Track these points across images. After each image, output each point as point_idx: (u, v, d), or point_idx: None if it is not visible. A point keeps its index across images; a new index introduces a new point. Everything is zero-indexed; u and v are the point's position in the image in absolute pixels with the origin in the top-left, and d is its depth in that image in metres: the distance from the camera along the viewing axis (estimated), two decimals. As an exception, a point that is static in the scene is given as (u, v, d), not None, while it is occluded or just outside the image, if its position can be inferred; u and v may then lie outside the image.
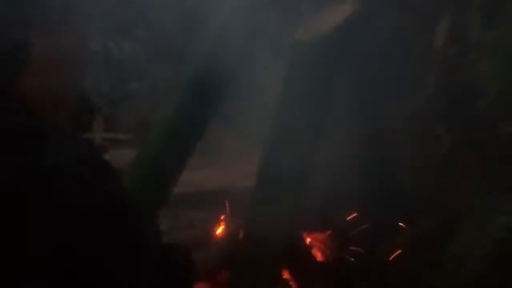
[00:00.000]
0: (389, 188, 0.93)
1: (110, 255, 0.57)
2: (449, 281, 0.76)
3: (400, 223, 0.92)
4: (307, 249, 1.23)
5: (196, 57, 1.23)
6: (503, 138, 0.81)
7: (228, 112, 1.44)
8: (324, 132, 0.93)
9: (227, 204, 1.26)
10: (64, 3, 0.63)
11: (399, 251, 0.96)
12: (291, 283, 1.26)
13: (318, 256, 1.34)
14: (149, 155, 1.31)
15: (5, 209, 0.54)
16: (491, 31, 0.81)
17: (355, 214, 1.04)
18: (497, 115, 0.83)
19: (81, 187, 0.56)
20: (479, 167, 0.80)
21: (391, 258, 0.93)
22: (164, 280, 0.63)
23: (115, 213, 0.58)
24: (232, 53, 1.10)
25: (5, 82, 0.59)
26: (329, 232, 1.21)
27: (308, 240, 1.23)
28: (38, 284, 0.55)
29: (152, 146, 1.31)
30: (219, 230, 1.37)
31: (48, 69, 0.61)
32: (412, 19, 0.91)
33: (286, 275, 1.27)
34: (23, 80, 0.61)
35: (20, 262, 0.54)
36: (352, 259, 1.21)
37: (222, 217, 1.37)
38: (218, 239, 1.36)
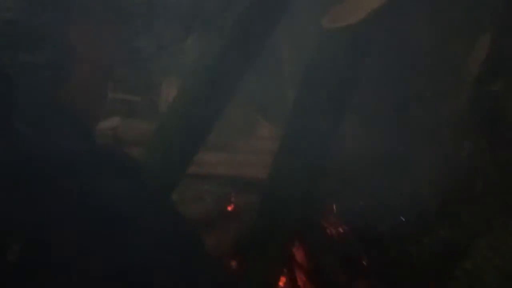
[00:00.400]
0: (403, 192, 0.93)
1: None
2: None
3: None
4: (321, 225, 1.25)
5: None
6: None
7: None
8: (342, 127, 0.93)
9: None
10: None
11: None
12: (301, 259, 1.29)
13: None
14: (174, 122, 1.23)
15: None
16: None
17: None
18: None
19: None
20: (501, 185, 0.79)
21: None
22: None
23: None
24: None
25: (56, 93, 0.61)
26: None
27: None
28: None
29: (178, 111, 1.21)
30: (230, 207, 1.39)
31: (90, 70, 0.63)
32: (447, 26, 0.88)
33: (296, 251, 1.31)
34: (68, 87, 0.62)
35: None
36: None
37: (233, 195, 1.39)
38: (229, 216, 1.38)
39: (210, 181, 1.43)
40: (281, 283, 1.16)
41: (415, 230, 0.90)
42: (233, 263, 1.12)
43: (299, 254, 1.29)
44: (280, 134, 1.57)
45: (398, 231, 0.92)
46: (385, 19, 0.88)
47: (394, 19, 0.90)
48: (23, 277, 0.54)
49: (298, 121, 1.02)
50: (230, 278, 0.80)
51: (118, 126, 1.76)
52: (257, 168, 1.39)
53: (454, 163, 0.87)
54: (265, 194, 1.09)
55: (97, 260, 0.56)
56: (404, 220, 0.90)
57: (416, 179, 0.88)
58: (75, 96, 0.62)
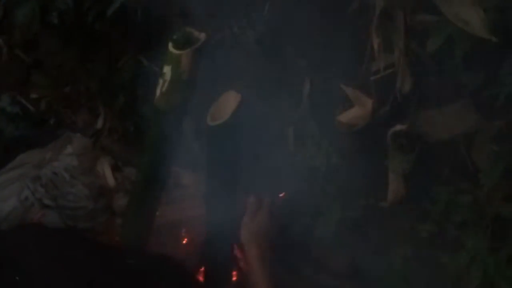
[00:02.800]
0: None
1: None
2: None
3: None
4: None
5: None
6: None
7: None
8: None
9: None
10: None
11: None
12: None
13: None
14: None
15: None
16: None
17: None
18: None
19: None
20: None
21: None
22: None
23: None
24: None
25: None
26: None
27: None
28: None
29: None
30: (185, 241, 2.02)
31: None
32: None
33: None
34: None
35: None
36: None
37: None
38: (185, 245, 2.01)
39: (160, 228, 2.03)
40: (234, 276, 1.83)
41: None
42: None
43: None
44: (198, 179, 2.21)
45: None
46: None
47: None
48: None
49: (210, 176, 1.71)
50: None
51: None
52: (193, 209, 2.04)
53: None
54: (208, 226, 1.76)
55: None
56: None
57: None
58: None
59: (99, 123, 2.69)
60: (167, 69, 1.59)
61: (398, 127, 1.39)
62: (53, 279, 0.93)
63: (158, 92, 1.65)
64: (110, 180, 2.45)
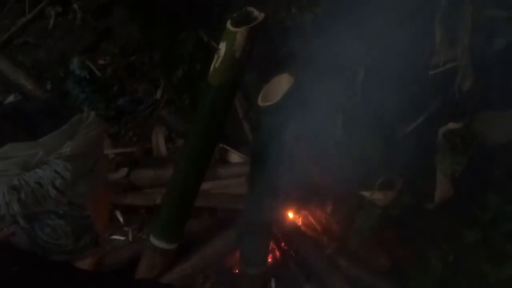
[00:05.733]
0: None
1: None
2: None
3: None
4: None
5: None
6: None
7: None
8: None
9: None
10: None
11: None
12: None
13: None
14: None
15: None
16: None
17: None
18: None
19: None
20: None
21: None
22: None
23: None
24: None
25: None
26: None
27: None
28: None
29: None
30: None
31: None
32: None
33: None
34: None
35: None
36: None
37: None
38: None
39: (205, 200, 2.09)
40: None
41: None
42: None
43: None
44: (244, 158, 2.24)
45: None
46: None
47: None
48: None
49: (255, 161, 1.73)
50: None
51: (127, 175, 2.35)
52: (237, 187, 2.08)
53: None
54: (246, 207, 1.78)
55: None
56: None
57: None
58: None
59: (158, 94, 2.80)
60: (222, 46, 1.60)
61: (452, 125, 1.32)
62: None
63: (212, 67, 1.66)
64: (163, 150, 2.55)
